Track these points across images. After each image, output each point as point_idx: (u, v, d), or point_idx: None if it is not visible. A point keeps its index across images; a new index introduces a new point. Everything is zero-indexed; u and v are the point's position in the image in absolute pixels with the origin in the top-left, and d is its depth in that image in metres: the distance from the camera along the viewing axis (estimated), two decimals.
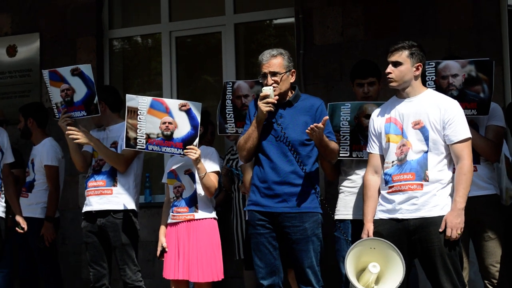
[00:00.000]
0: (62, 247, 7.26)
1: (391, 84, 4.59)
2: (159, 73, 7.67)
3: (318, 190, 4.87)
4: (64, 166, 6.70)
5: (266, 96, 4.72)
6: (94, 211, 5.67)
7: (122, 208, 5.63)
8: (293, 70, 4.90)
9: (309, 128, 4.62)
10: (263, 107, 4.72)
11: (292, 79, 4.91)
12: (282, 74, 4.82)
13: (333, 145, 4.83)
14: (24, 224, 6.05)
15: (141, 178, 5.92)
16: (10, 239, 6.31)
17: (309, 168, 4.83)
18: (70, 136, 5.50)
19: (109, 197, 5.66)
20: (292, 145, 4.80)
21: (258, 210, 4.83)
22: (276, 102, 4.75)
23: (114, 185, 5.68)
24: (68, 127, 5.53)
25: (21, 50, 7.85)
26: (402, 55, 4.54)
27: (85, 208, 5.76)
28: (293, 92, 4.93)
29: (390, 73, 4.55)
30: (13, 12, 7.93)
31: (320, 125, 4.62)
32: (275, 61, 4.83)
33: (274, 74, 4.81)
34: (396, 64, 4.55)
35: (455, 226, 4.34)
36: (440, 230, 4.36)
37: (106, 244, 5.71)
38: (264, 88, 4.77)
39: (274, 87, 4.77)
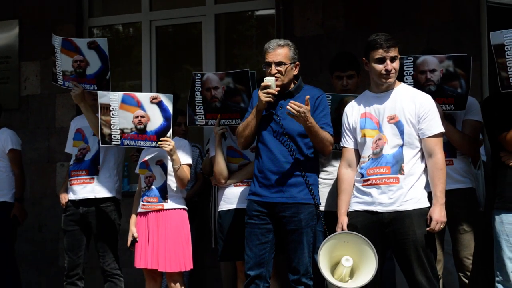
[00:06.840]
0: (38, 234, 7.24)
1: (390, 80, 4.52)
2: (139, 63, 7.63)
3: (313, 181, 4.83)
4: (37, 155, 6.67)
5: (267, 87, 4.71)
6: (77, 199, 5.71)
7: (103, 196, 5.69)
8: (297, 62, 4.88)
9: (288, 104, 4.56)
10: (263, 97, 4.71)
11: (295, 72, 4.88)
12: (287, 65, 4.80)
13: (325, 134, 4.75)
14: None
15: (122, 166, 5.94)
16: None
17: (306, 158, 4.81)
18: (72, 91, 5.62)
19: (92, 186, 5.72)
20: (290, 136, 4.78)
21: (256, 200, 4.83)
22: (276, 93, 4.73)
23: (96, 174, 5.73)
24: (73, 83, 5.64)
25: None
26: (397, 50, 4.51)
27: (70, 196, 5.80)
28: (296, 83, 4.90)
29: (392, 69, 4.49)
30: None
31: (298, 104, 4.54)
32: (281, 51, 4.80)
33: (279, 64, 4.78)
34: (394, 59, 4.51)
35: (440, 220, 4.39)
36: (428, 228, 4.39)
37: (87, 233, 5.73)
38: (266, 78, 4.75)
39: (276, 77, 4.75)
